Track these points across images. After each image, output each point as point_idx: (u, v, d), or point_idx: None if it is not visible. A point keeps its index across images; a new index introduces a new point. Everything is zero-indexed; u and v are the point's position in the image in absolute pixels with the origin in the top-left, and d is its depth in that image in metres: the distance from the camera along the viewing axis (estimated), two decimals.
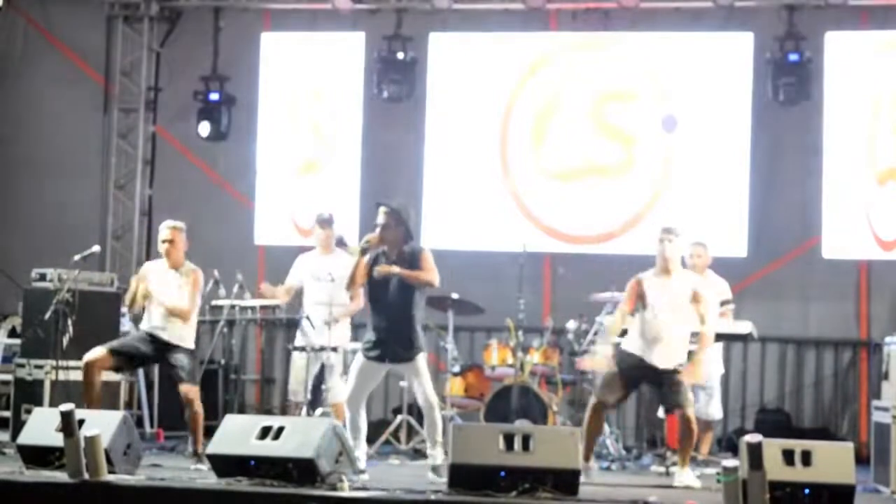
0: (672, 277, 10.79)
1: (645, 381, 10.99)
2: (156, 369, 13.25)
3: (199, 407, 10.92)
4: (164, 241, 11.11)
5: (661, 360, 10.68)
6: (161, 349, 11.00)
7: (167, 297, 10.95)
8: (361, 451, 10.41)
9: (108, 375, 11.61)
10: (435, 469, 10.37)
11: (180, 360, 10.93)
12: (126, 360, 11.12)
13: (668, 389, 10.71)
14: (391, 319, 10.38)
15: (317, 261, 12.45)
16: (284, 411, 14.04)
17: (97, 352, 10.87)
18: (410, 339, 10.41)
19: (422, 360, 10.48)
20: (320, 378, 12.15)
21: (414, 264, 10.39)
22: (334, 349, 11.99)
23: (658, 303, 10.70)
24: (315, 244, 12.61)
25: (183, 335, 11.00)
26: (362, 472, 10.06)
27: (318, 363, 12.15)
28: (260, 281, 12.88)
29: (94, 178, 15.91)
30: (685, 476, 10.60)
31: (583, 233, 14.85)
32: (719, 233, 13.79)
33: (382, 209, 10.47)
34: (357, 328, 12.38)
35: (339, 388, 12.15)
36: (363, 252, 10.36)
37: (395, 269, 10.30)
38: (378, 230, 10.41)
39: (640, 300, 10.77)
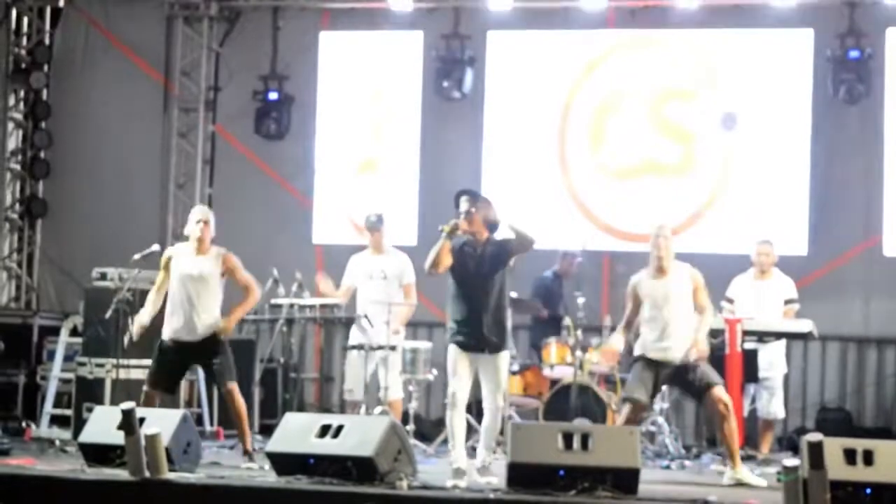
0: (668, 275, 10.66)
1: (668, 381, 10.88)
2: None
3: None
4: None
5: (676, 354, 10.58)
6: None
7: None
8: (459, 453, 10.02)
9: None
10: (479, 470, 10.12)
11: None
12: None
13: (692, 377, 10.56)
14: (481, 309, 10.05)
15: (369, 260, 12.46)
16: (343, 410, 14.05)
17: None
18: (501, 331, 10.12)
19: (505, 356, 10.23)
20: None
21: (501, 255, 10.12)
22: (392, 348, 12.01)
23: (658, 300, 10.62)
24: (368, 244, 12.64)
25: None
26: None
27: (374, 361, 12.16)
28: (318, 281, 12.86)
29: (154, 177, 15.98)
30: (740, 472, 10.45)
31: (642, 231, 14.76)
32: (779, 231, 13.66)
33: (465, 198, 10.23)
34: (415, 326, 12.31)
35: (397, 387, 12.18)
36: (449, 236, 10.02)
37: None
38: (463, 217, 10.13)
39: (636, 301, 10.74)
